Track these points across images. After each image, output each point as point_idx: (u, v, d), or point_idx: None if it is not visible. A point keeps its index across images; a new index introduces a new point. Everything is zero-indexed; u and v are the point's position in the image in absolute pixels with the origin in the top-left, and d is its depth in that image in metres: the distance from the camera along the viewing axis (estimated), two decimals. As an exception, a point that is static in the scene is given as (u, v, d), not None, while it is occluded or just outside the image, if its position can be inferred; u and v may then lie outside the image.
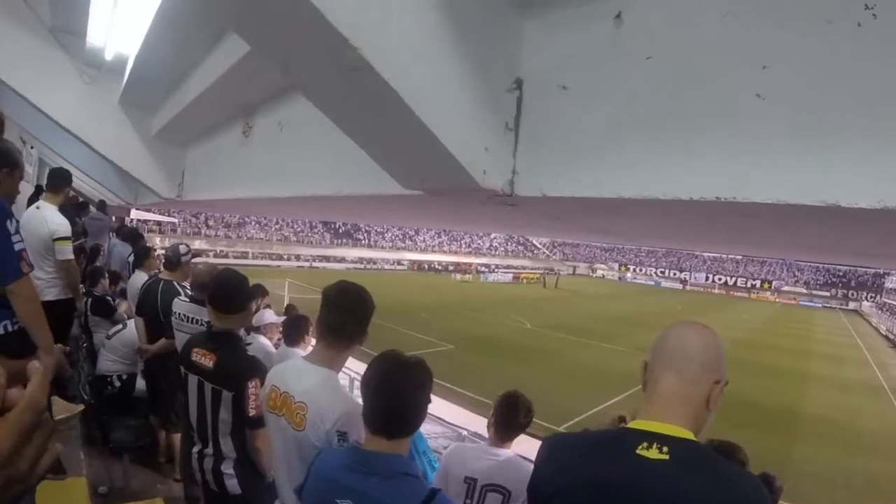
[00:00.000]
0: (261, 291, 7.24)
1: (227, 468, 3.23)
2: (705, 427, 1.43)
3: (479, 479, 2.98)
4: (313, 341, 5.03)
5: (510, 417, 3.17)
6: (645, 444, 1.31)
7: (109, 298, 6.88)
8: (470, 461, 3.04)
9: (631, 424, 1.42)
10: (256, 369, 3.12)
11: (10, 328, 2.86)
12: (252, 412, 3.02)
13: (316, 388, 2.25)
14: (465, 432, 9.56)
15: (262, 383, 3.00)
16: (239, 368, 3.16)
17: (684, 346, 1.45)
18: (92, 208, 10.77)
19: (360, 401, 2.00)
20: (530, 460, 1.98)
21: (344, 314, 2.37)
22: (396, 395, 1.84)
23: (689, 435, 1.35)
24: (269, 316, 6.42)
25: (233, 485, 3.23)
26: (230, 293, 3.31)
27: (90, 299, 6.69)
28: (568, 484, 1.36)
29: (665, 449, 1.29)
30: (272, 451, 2.50)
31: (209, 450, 3.33)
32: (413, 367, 1.89)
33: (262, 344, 5.22)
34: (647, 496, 1.26)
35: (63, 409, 4.53)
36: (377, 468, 1.79)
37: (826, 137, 1.65)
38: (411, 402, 1.87)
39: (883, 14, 1.49)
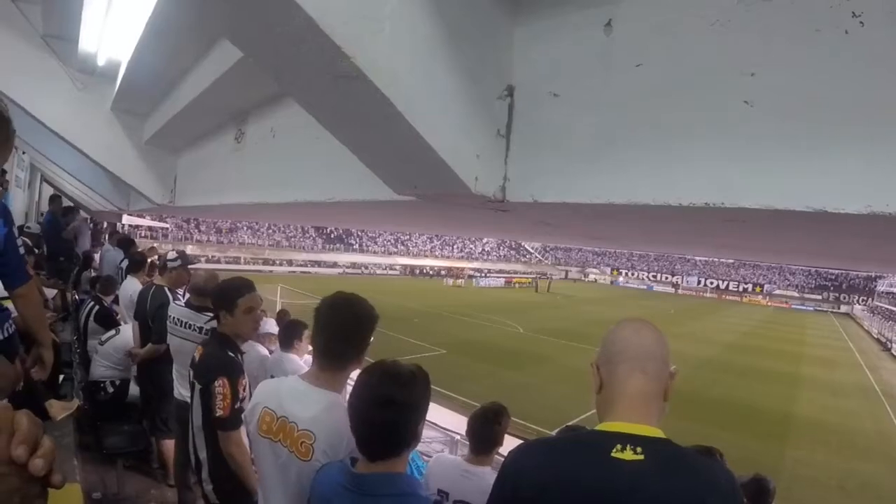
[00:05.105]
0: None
1: (205, 473, 3.14)
2: (662, 417, 1.47)
3: (450, 493, 2.99)
4: (306, 346, 5.04)
5: (480, 432, 3.18)
6: (619, 446, 1.33)
7: (114, 312, 6.91)
8: (445, 474, 3.05)
9: (601, 426, 1.44)
10: (225, 369, 3.03)
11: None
12: (219, 412, 2.92)
13: (323, 416, 2.11)
14: (458, 437, 9.54)
15: (231, 384, 2.95)
16: (210, 363, 3.10)
17: (644, 344, 1.51)
18: (82, 212, 10.71)
19: None
20: None
21: (335, 337, 2.27)
22: (384, 422, 1.75)
23: (660, 433, 1.38)
24: (270, 325, 6.38)
25: (209, 490, 3.14)
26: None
27: (97, 307, 6.71)
28: (549, 483, 1.37)
29: (639, 449, 1.32)
30: (262, 479, 2.34)
31: (192, 454, 3.27)
32: (403, 386, 1.76)
33: (258, 351, 5.23)
34: (626, 498, 1.28)
35: (60, 409, 4.49)
36: (374, 490, 1.74)
37: (814, 143, 1.67)
38: (401, 425, 1.78)
39: (870, 22, 1.51)
